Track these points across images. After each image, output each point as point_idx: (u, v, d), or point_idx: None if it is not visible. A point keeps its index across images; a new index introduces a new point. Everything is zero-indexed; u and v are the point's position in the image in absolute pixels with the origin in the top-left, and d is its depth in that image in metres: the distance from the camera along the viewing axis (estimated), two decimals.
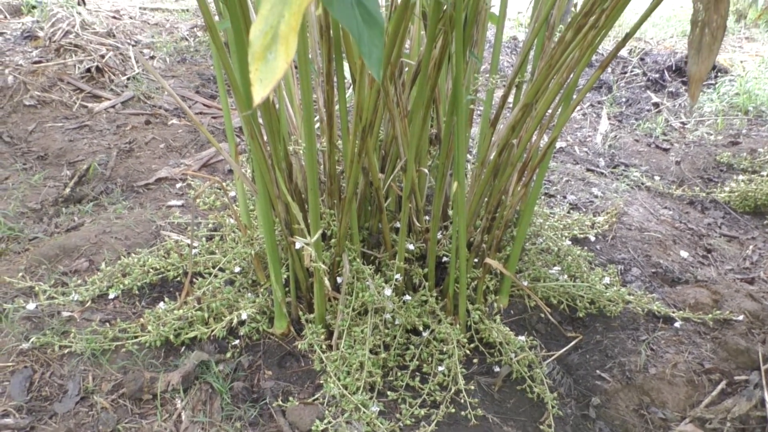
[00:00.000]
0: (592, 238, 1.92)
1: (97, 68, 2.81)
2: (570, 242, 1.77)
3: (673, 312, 1.63)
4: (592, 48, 1.20)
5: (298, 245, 1.30)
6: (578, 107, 3.15)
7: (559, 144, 2.68)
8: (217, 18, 1.39)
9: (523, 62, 1.37)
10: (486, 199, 1.55)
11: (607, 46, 4.11)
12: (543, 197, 2.18)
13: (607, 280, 1.67)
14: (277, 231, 1.46)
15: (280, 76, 0.46)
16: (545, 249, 1.73)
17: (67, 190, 1.98)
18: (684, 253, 1.92)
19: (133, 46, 3.19)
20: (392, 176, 1.50)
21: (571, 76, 1.27)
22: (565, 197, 2.20)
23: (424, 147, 1.56)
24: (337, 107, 1.33)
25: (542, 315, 1.60)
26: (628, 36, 1.20)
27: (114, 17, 3.57)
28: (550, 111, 1.35)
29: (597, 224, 1.99)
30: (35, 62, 2.83)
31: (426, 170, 1.51)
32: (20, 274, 1.56)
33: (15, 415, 1.25)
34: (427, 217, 1.65)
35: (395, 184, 1.56)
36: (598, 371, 1.49)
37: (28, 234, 1.77)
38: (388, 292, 1.42)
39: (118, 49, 3.09)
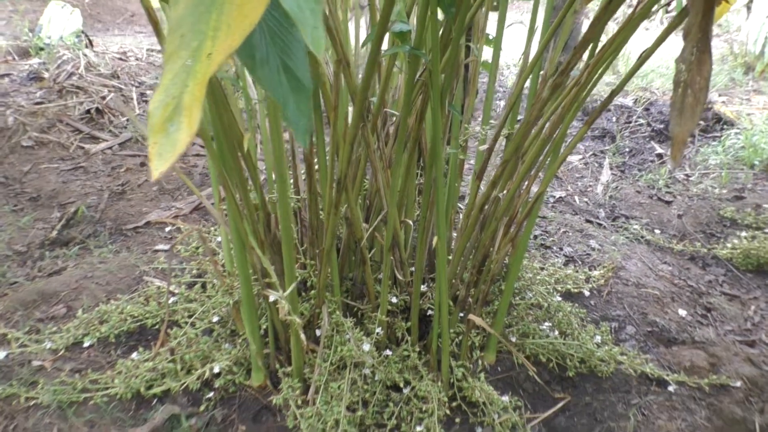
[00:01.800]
0: (587, 293, 1.87)
1: (98, 110, 2.83)
2: (561, 298, 1.71)
3: (668, 375, 1.57)
4: (577, 103, 1.17)
5: (272, 298, 1.26)
6: (580, 156, 3.12)
7: (558, 193, 2.64)
8: None
9: (509, 115, 1.34)
10: (473, 252, 1.51)
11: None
12: (539, 249, 2.13)
13: (598, 338, 1.61)
14: (255, 281, 1.43)
15: (182, 150, 0.43)
16: (535, 304, 1.68)
17: (54, 232, 1.96)
18: (682, 312, 1.86)
19: (136, 87, 3.22)
20: (374, 227, 1.47)
21: (558, 131, 1.24)
22: (561, 249, 2.15)
23: (410, 198, 1.53)
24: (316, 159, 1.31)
25: (531, 373, 1.54)
26: (614, 93, 1.17)
27: (120, 59, 3.62)
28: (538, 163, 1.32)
29: (592, 278, 1.94)
30: (37, 103, 2.86)
31: (411, 222, 1.48)
32: None
33: None
34: (413, 269, 1.61)
35: (380, 234, 1.52)
36: None
37: (9, 278, 1.74)
38: (366, 347, 1.38)
39: (120, 90, 3.12)
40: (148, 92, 3.22)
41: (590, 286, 1.90)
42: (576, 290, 1.87)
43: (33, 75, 3.21)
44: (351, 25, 1.53)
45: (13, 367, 1.42)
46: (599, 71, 1.13)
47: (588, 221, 2.42)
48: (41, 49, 3.53)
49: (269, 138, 1.52)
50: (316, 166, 1.37)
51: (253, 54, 0.53)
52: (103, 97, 2.95)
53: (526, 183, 1.37)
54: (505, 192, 1.36)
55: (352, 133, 1.09)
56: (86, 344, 1.51)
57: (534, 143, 1.26)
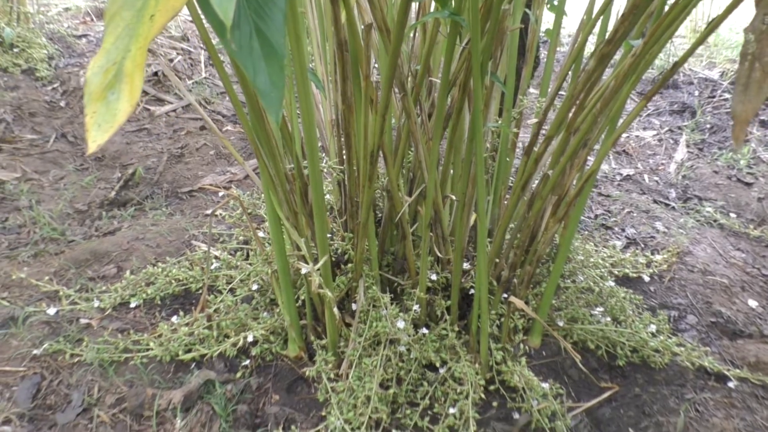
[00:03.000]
0: (647, 279, 1.76)
1: (164, 73, 2.87)
2: (616, 282, 1.62)
3: (728, 370, 1.46)
4: (635, 75, 1.07)
5: (304, 270, 1.24)
6: (654, 132, 2.94)
7: (626, 171, 2.50)
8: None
9: (559, 88, 1.25)
10: (519, 231, 1.44)
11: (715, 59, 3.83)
12: (599, 229, 2.02)
13: (654, 327, 1.51)
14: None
15: (123, 119, 0.40)
16: (587, 288, 1.59)
17: (113, 193, 2.01)
18: (753, 303, 1.73)
19: (204, 50, 3.25)
20: (418, 202, 1.42)
21: (612, 105, 1.15)
22: (623, 230, 2.03)
23: (456, 172, 1.46)
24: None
25: (576, 359, 1.47)
26: (677, 65, 1.07)
27: (191, 21, 3.66)
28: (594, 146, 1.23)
29: (654, 263, 1.82)
30: None
31: (454, 197, 1.42)
32: (47, 277, 1.59)
33: (16, 422, 1.25)
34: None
35: (422, 208, 1.47)
36: (631, 429, 1.35)
37: (68, 236, 1.80)
38: (401, 324, 1.34)
39: (189, 53, 3.16)
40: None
41: (651, 271, 1.78)
42: (635, 275, 1.76)
43: None
44: None
45: (62, 324, 1.47)
46: (660, 41, 1.02)
47: (656, 202, 2.28)
48: None
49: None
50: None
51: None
52: (171, 60, 2.99)
53: (578, 160, 1.28)
54: (552, 169, 1.27)
55: (383, 104, 1.04)
56: (132, 305, 1.55)
57: (585, 118, 1.17)
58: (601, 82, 1.11)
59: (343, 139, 1.39)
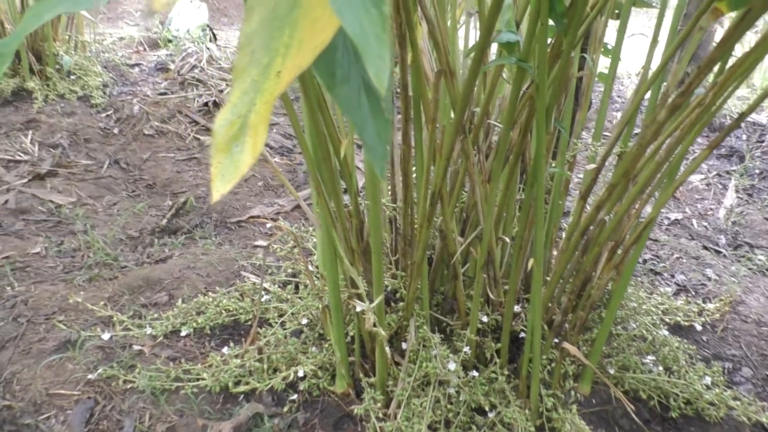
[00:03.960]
0: (699, 328, 1.72)
1: (215, 102, 2.94)
2: (668, 331, 1.59)
3: None
4: (699, 125, 1.07)
5: (358, 308, 1.24)
6: (702, 176, 2.90)
7: (674, 215, 2.46)
8: None
9: (620, 135, 1.25)
10: (572, 275, 1.43)
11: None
12: (648, 274, 1.99)
13: (708, 379, 1.48)
14: (345, 287, 1.42)
15: (245, 171, 0.41)
16: (639, 335, 1.56)
17: (164, 221, 2.05)
18: None
19: None
20: (469, 241, 1.42)
21: (675, 153, 1.14)
22: (673, 276, 2.00)
23: (509, 214, 1.47)
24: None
25: (628, 409, 1.44)
26: (743, 115, 1.06)
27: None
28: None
29: (706, 312, 1.78)
30: (161, 93, 3.01)
31: (508, 239, 1.42)
32: (102, 302, 1.62)
33: None
34: (507, 287, 1.54)
35: (475, 249, 1.47)
36: None
37: (121, 262, 1.84)
38: (452, 366, 1.33)
39: None
40: None
41: (703, 320, 1.74)
42: (686, 323, 1.72)
43: (160, 66, 3.40)
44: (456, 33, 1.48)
45: (116, 349, 1.49)
46: (727, 91, 1.02)
47: (705, 248, 2.24)
48: (169, 41, 3.73)
49: None
50: (414, 175, 1.34)
51: (334, 71, 0.50)
52: (221, 91, 3.06)
53: (636, 206, 1.27)
54: (611, 215, 1.27)
55: (448, 147, 1.05)
56: (183, 333, 1.57)
57: (647, 165, 1.16)
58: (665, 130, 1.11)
59: (400, 178, 1.41)
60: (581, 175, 2.25)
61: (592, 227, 1.33)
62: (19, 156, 2.41)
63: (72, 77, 3.07)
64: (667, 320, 1.71)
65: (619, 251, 1.31)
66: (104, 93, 2.98)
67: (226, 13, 5.23)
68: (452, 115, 1.36)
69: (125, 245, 1.94)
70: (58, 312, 1.58)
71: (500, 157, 1.17)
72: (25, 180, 2.25)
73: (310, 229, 2.00)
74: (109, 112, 2.82)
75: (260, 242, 1.98)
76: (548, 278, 1.47)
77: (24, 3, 2.92)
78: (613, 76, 1.56)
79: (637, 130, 2.21)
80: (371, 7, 0.29)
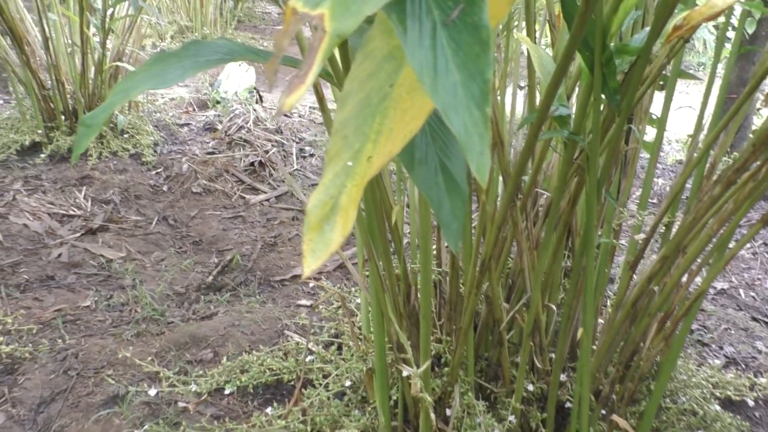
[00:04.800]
0: (751, 403, 1.67)
1: (260, 162, 3.03)
2: (719, 406, 1.54)
3: None
4: (752, 198, 1.07)
5: (405, 373, 1.24)
6: (749, 245, 2.85)
7: (720, 285, 2.42)
8: None
9: (670, 206, 1.26)
10: (620, 346, 1.41)
11: None
12: (695, 345, 1.95)
13: None
14: (389, 350, 1.42)
15: (335, 249, 0.44)
16: (689, 410, 1.53)
17: (210, 278, 2.09)
18: None
19: (296, 143, 3.42)
20: (516, 309, 1.42)
21: (726, 226, 1.14)
22: (721, 348, 1.95)
23: (555, 281, 1.47)
24: None
25: None
26: None
27: (285, 115, 3.87)
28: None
29: (758, 386, 1.73)
30: (208, 153, 3.11)
31: (554, 307, 1.41)
32: (150, 357, 1.65)
33: None
34: (553, 355, 1.53)
35: (520, 316, 1.47)
36: None
37: (167, 317, 1.88)
38: None
39: (282, 145, 3.32)
40: (306, 148, 3.41)
41: (755, 395, 1.69)
42: (738, 398, 1.68)
43: (208, 126, 3.52)
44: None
45: (162, 406, 1.51)
46: None
47: (755, 319, 2.19)
48: (218, 102, 3.87)
49: (416, 210, 1.54)
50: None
51: (412, 152, 0.53)
52: (267, 151, 3.15)
53: (686, 278, 1.26)
54: (660, 286, 1.26)
55: (500, 216, 1.07)
56: (227, 391, 1.58)
57: (696, 237, 1.16)
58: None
59: (445, 243, 1.42)
60: (623, 240, 2.24)
61: (639, 299, 1.32)
62: (73, 211, 2.49)
63: (125, 135, 3.20)
64: (718, 394, 1.66)
65: (669, 323, 1.30)
66: (155, 151, 3.09)
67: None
68: (500, 184, 1.39)
69: (172, 301, 1.98)
70: (107, 366, 1.61)
71: (550, 224, 1.18)
72: (78, 234, 2.32)
73: (353, 289, 2.02)
74: (159, 170, 2.92)
75: (303, 301, 2.01)
76: (594, 347, 1.45)
77: (85, 65, 3.08)
78: (658, 146, 1.58)
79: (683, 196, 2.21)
80: (474, 108, 0.32)
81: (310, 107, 4.12)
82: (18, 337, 1.72)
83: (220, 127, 3.43)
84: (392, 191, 1.44)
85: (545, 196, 1.49)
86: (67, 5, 3.19)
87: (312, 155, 3.32)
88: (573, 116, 1.06)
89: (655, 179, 3.69)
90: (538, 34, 1.57)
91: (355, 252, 2.29)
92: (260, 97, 3.96)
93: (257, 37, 6.43)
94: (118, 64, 3.23)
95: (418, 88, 0.45)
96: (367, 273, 1.76)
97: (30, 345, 1.68)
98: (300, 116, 3.92)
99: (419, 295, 1.22)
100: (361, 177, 0.45)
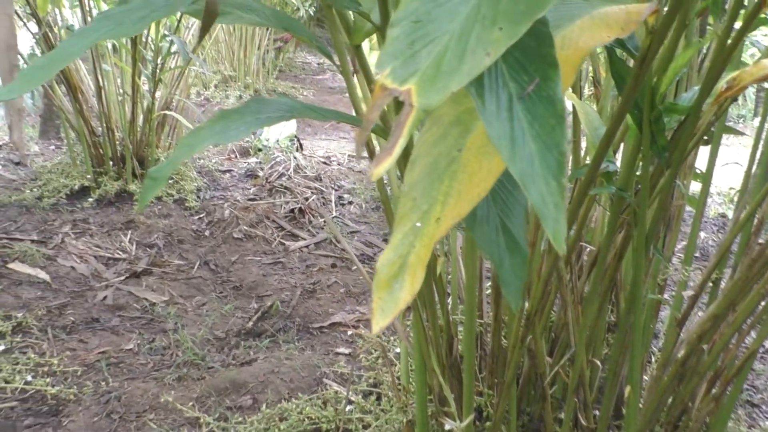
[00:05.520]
0: None
1: (300, 209, 3.07)
2: None
3: None
4: None
5: (447, 427, 1.23)
6: None
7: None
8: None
9: (718, 263, 1.24)
10: (667, 404, 1.38)
11: None
12: (744, 406, 1.89)
13: None
14: (430, 401, 1.41)
15: (403, 307, 0.45)
16: None
17: (250, 323, 2.11)
18: None
19: (335, 190, 3.47)
20: (561, 363, 1.40)
21: None
22: None
23: (599, 336, 1.45)
24: None
25: None
26: None
27: (324, 163, 3.94)
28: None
29: None
30: (250, 199, 3.18)
31: (599, 362, 1.39)
32: (191, 402, 1.66)
33: None
34: (597, 412, 1.50)
35: (562, 370, 1.45)
36: None
37: (208, 362, 1.89)
38: None
39: (321, 192, 3.38)
40: (345, 196, 3.45)
41: None
42: None
43: (249, 173, 3.60)
44: None
45: None
46: None
47: None
48: (259, 150, 3.96)
49: (458, 262, 1.54)
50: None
51: (474, 212, 0.55)
52: (306, 198, 3.20)
53: (736, 336, 1.24)
54: (709, 345, 1.24)
55: (547, 271, 1.07)
56: None
57: (746, 295, 1.14)
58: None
59: (493, 294, 1.42)
60: (666, 296, 2.21)
61: (682, 353, 1.29)
62: (118, 254, 2.56)
63: (170, 181, 3.29)
64: None
65: (719, 383, 1.27)
66: (198, 197, 3.16)
67: (310, 123, 5.52)
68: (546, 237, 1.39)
69: (212, 346, 2.00)
70: (148, 410, 1.63)
71: (596, 280, 1.18)
72: (123, 277, 2.38)
73: (391, 338, 2.02)
74: (201, 215, 2.99)
75: (342, 349, 2.01)
76: (640, 405, 1.42)
77: (134, 113, 3.20)
78: (704, 201, 1.57)
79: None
80: (551, 179, 0.34)
81: (348, 155, 4.19)
82: (63, 378, 1.75)
83: (261, 173, 3.51)
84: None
85: (588, 249, 1.48)
86: (119, 56, 3.33)
87: (350, 203, 3.36)
88: (619, 172, 1.07)
89: (698, 232, 3.63)
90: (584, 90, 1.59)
91: None
92: (300, 145, 4.04)
93: (297, 86, 6.60)
94: (166, 112, 3.35)
95: (486, 152, 0.47)
96: (408, 322, 1.76)
97: (75, 387, 1.71)
98: (339, 164, 3.98)
99: (463, 348, 1.22)
100: (430, 238, 0.46)
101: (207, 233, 2.85)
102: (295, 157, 3.71)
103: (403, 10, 0.35)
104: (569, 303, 1.30)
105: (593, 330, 1.35)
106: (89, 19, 3.13)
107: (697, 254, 3.22)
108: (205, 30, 0.67)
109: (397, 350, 1.90)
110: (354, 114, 1.02)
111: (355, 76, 1.04)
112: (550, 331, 1.49)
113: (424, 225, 0.46)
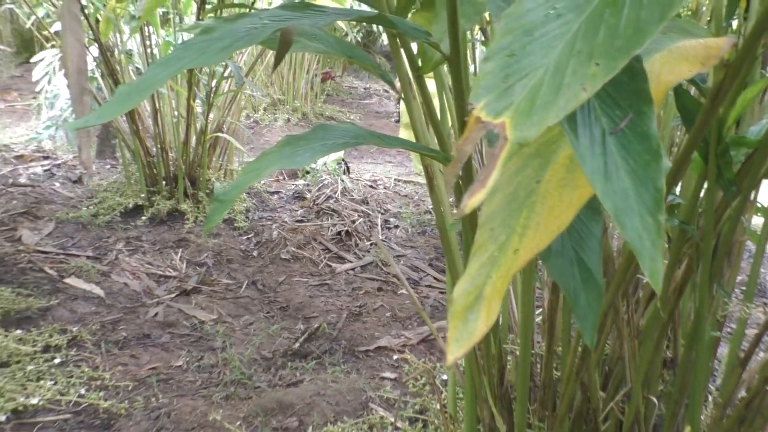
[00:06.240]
0: None
1: (347, 232, 3.09)
2: None
3: None
4: None
5: None
6: None
7: None
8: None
9: None
10: None
11: None
12: None
13: None
14: None
15: (478, 339, 0.45)
16: None
17: (297, 344, 2.12)
18: None
19: (381, 214, 3.48)
20: (615, 399, 1.37)
21: None
22: None
23: (655, 372, 1.41)
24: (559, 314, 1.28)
25: None
26: None
27: (371, 186, 3.97)
28: None
29: None
30: (297, 221, 3.22)
31: (655, 399, 1.36)
32: (238, 422, 1.67)
33: None
34: None
35: (617, 406, 1.41)
36: None
37: (254, 382, 1.91)
38: None
39: (368, 215, 3.39)
40: (391, 219, 3.46)
41: None
42: None
43: (297, 195, 3.64)
44: None
45: None
46: None
47: None
48: (307, 172, 4.01)
49: (509, 290, 1.53)
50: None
51: (549, 244, 0.54)
52: (353, 221, 3.22)
53: None
54: None
55: (606, 303, 1.05)
56: None
57: None
58: None
59: (546, 325, 1.40)
60: (725, 332, 2.14)
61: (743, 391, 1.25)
62: (169, 272, 2.61)
63: None
64: None
65: None
66: (246, 217, 3.21)
67: (357, 147, 5.58)
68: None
69: (259, 365, 2.02)
70: (197, 428, 1.65)
71: (654, 315, 1.15)
72: (173, 295, 2.42)
73: (437, 365, 2.00)
74: (250, 236, 3.03)
75: (388, 374, 2.00)
76: None
77: (188, 134, 3.28)
78: (766, 236, 1.52)
79: None
80: (647, 215, 0.33)
81: (395, 179, 4.21)
82: (115, 392, 1.79)
83: (308, 196, 3.55)
84: None
85: (644, 281, 1.45)
86: (175, 79, 3.43)
87: (396, 227, 3.37)
88: (682, 204, 1.05)
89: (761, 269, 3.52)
90: None
91: (442, 325, 2.28)
92: (347, 168, 4.08)
93: (344, 110, 6.68)
94: (218, 134, 3.42)
95: (566, 185, 0.47)
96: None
97: (126, 401, 1.74)
98: (385, 188, 4.00)
99: (518, 379, 1.21)
100: (507, 269, 0.46)
101: (255, 253, 2.89)
102: (342, 180, 3.75)
103: (497, 44, 0.35)
104: (625, 336, 1.27)
105: (650, 365, 1.32)
106: (148, 42, 3.25)
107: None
108: (279, 58, 0.69)
109: (444, 377, 1.89)
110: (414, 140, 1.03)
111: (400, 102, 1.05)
112: (603, 364, 1.46)
113: (501, 255, 0.46)
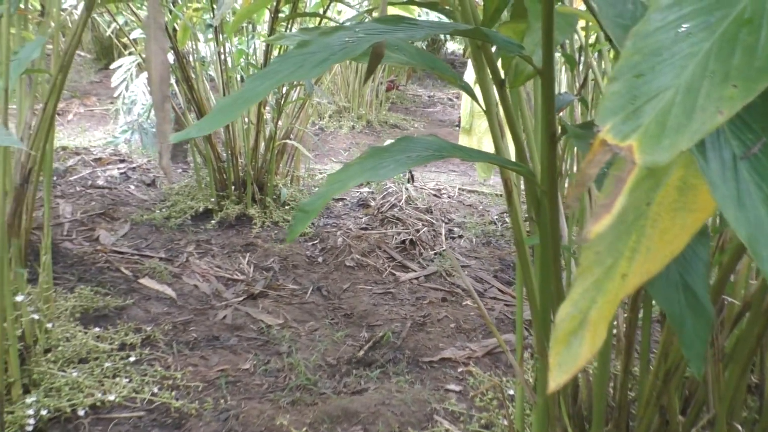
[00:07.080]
0: None
1: (411, 241, 3.09)
2: None
3: None
4: None
5: None
6: None
7: None
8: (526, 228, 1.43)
9: None
10: None
11: None
12: None
13: None
14: None
15: (582, 364, 0.43)
16: None
17: (361, 352, 2.13)
18: None
19: (445, 223, 3.46)
20: (698, 425, 1.31)
21: None
22: None
23: (739, 397, 1.35)
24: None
25: None
26: None
27: (435, 195, 3.96)
28: None
29: None
30: (362, 228, 3.23)
31: (739, 426, 1.29)
32: (305, 428, 1.68)
33: None
34: None
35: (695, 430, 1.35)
36: None
37: (320, 387, 1.92)
38: None
39: (432, 225, 3.38)
40: (455, 229, 3.44)
41: None
42: None
43: (362, 202, 3.66)
44: None
45: None
46: None
47: None
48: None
49: None
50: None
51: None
52: (417, 230, 3.22)
53: None
54: None
55: None
56: None
57: None
58: None
59: (620, 344, 1.36)
60: None
61: None
62: (237, 275, 2.66)
63: (286, 207, 3.41)
64: None
65: None
66: (312, 224, 3.24)
67: None
68: None
69: (324, 372, 2.03)
70: (265, 431, 1.67)
71: (742, 338, 1.10)
72: (241, 298, 2.47)
73: (504, 379, 1.97)
74: (315, 242, 3.07)
75: (452, 386, 1.98)
76: None
77: (257, 141, 3.35)
78: None
79: None
80: None
81: (459, 188, 4.18)
82: (186, 392, 1.83)
83: (373, 203, 3.56)
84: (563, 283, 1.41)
85: (728, 302, 1.39)
86: None
87: (461, 236, 3.34)
88: None
89: None
90: None
91: (508, 338, 2.24)
92: (412, 176, 4.08)
93: (408, 118, 6.70)
94: (287, 141, 3.48)
95: (679, 208, 0.45)
96: (527, 364, 1.72)
97: (196, 402, 1.78)
98: (449, 197, 3.98)
99: (594, 399, 1.17)
100: (614, 294, 0.45)
101: (320, 260, 2.92)
102: (406, 189, 3.75)
103: (624, 64, 0.34)
104: (709, 359, 1.22)
105: (735, 391, 1.26)
106: (221, 49, 3.33)
107: None
108: (371, 72, 0.69)
109: (510, 392, 1.85)
110: (495, 153, 1.02)
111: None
112: (683, 388, 1.40)
113: (608, 280, 0.44)
